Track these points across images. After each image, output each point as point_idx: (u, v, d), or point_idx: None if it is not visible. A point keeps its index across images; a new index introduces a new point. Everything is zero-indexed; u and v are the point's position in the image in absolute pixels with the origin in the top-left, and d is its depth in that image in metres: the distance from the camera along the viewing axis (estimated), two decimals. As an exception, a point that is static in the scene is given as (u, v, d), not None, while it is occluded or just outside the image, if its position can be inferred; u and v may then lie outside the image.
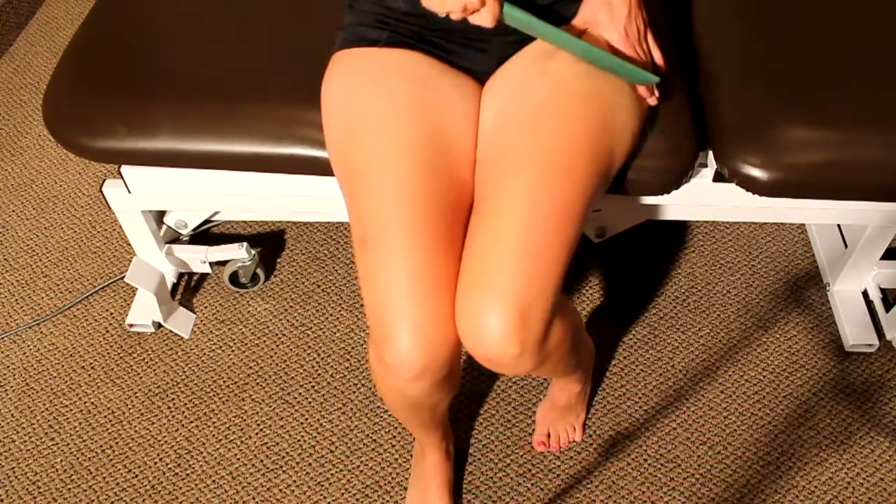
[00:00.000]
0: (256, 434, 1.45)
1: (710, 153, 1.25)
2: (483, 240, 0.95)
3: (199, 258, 1.58)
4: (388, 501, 1.37)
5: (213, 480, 1.40)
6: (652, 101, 1.11)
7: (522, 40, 1.09)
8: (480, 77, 1.10)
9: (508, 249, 0.92)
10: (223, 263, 1.61)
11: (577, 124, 1.00)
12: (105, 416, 1.47)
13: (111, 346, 1.56)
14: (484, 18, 0.96)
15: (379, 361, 0.97)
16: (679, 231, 1.71)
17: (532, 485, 1.39)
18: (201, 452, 1.43)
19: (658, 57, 1.11)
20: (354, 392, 1.49)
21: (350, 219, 1.02)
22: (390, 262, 0.94)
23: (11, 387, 1.51)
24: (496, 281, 0.91)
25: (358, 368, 1.52)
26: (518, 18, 0.99)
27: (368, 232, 0.97)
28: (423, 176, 0.98)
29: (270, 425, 1.46)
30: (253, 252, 1.57)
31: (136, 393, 1.50)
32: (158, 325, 1.58)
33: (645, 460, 1.41)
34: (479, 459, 1.41)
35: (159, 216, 1.56)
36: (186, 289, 1.64)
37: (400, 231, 0.95)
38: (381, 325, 0.95)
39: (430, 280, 0.94)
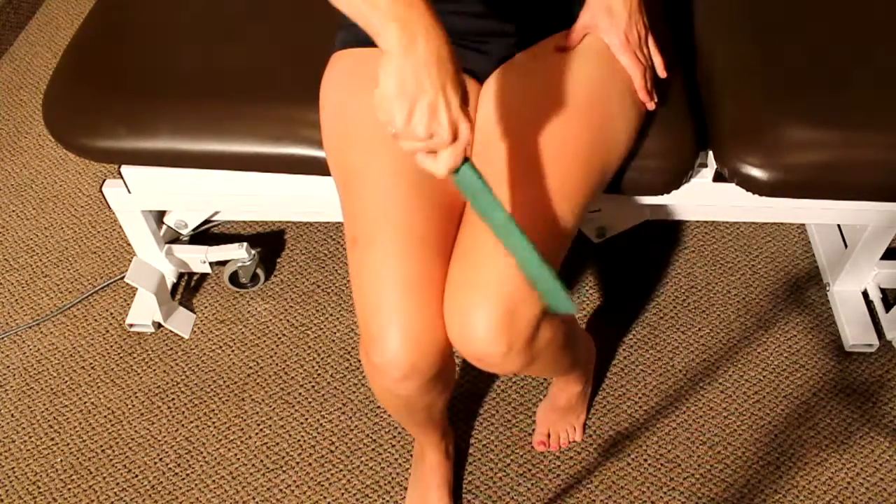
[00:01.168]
0: (256, 434, 1.45)
1: (710, 153, 1.25)
2: (472, 239, 0.95)
3: (199, 258, 1.58)
4: (388, 501, 1.37)
5: (213, 480, 1.40)
6: (650, 106, 1.11)
7: (521, 43, 1.09)
8: (479, 78, 1.10)
9: (497, 248, 0.92)
10: (223, 263, 1.61)
11: (572, 127, 1.00)
12: (105, 416, 1.47)
13: (111, 346, 1.56)
14: (439, 165, 0.78)
15: (368, 361, 0.97)
16: (679, 231, 1.71)
17: (532, 485, 1.39)
18: (201, 452, 1.43)
19: (658, 61, 1.11)
20: (354, 392, 1.49)
21: (343, 218, 1.02)
22: (380, 262, 0.94)
23: (11, 387, 1.51)
24: (484, 280, 0.91)
25: (358, 368, 1.52)
26: (471, 183, 0.81)
27: (360, 232, 0.97)
28: (416, 176, 0.98)
29: (270, 425, 1.46)
30: (253, 252, 1.57)
31: (136, 393, 1.50)
32: (158, 325, 1.58)
33: (645, 460, 1.41)
34: (479, 459, 1.41)
35: (159, 216, 1.56)
36: (186, 289, 1.64)
37: (390, 231, 0.95)
38: (370, 325, 0.95)
39: (420, 280, 0.94)
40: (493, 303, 0.91)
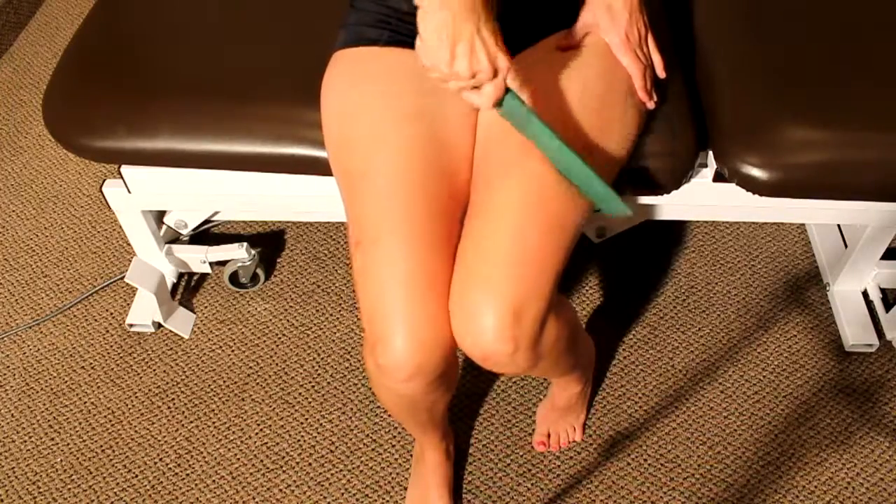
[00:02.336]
0: (256, 434, 1.45)
1: (710, 153, 1.25)
2: (478, 239, 0.95)
3: (199, 258, 1.58)
4: (388, 501, 1.37)
5: (213, 480, 1.40)
6: (650, 105, 1.11)
7: (522, 42, 1.09)
8: (481, 77, 1.10)
9: (503, 248, 0.92)
10: (223, 263, 1.61)
11: (573, 126, 1.00)
12: (105, 416, 1.47)
13: (111, 346, 1.56)
14: (484, 99, 0.88)
15: (372, 362, 0.97)
16: (679, 231, 1.71)
17: (532, 485, 1.39)
18: (201, 452, 1.43)
19: (658, 60, 1.11)
20: (354, 392, 1.49)
21: (347, 219, 1.02)
22: (384, 263, 0.94)
23: (11, 387, 1.51)
24: (491, 279, 0.91)
25: (358, 368, 1.52)
26: (517, 111, 0.90)
27: (363, 232, 0.97)
28: (419, 177, 0.98)
29: (270, 425, 1.46)
30: (253, 252, 1.57)
31: (136, 393, 1.50)
32: (158, 325, 1.58)
33: (645, 460, 1.41)
34: (479, 459, 1.41)
35: (159, 216, 1.56)
36: (186, 289, 1.64)
37: (394, 232, 0.95)
38: (375, 326, 0.95)
39: (424, 281, 0.94)
40: (500, 302, 0.91)
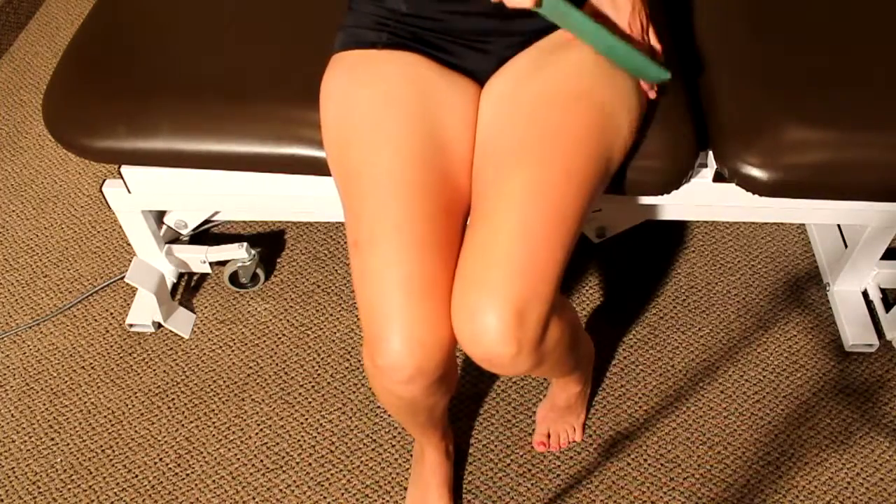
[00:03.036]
0: (256, 434, 1.45)
1: (710, 153, 1.25)
2: (480, 239, 0.95)
3: (199, 258, 1.58)
4: (388, 501, 1.37)
5: (213, 480, 1.40)
6: (651, 95, 1.12)
7: (523, 42, 1.09)
8: (480, 78, 1.10)
9: (505, 249, 0.92)
10: (223, 263, 1.61)
11: (576, 125, 1.00)
12: (105, 416, 1.47)
13: (111, 346, 1.56)
14: None
15: (372, 364, 0.97)
16: (679, 231, 1.71)
17: (532, 485, 1.39)
18: (201, 452, 1.43)
19: (658, 51, 1.11)
20: (354, 392, 1.49)
21: (345, 220, 1.02)
22: (383, 264, 0.94)
23: (11, 387, 1.51)
24: (493, 280, 0.91)
25: (358, 368, 1.52)
26: (556, 5, 0.97)
27: (362, 233, 0.97)
28: (418, 177, 0.98)
29: (270, 425, 1.46)
30: (253, 252, 1.57)
31: (136, 393, 1.50)
32: (158, 325, 1.58)
33: (645, 460, 1.41)
34: (479, 459, 1.41)
35: (159, 216, 1.56)
36: (186, 289, 1.64)
37: (393, 233, 0.95)
38: (374, 327, 0.95)
39: (423, 282, 0.94)
40: (504, 303, 0.91)
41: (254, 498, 1.38)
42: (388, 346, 0.94)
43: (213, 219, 1.64)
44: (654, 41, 1.10)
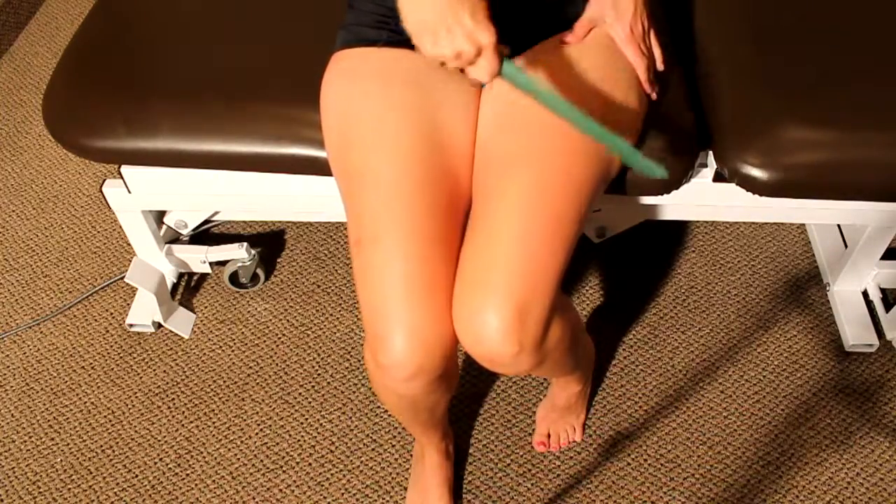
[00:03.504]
0: (256, 434, 1.45)
1: (710, 153, 1.25)
2: (481, 239, 0.95)
3: (199, 258, 1.58)
4: (388, 501, 1.37)
5: (213, 480, 1.40)
6: (653, 95, 1.12)
7: (523, 44, 1.09)
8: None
9: (507, 248, 0.92)
10: (223, 263, 1.61)
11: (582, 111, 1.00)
12: (105, 416, 1.47)
13: (111, 346, 1.56)
14: (481, 73, 0.89)
15: (374, 362, 0.97)
16: (679, 231, 1.71)
17: (532, 485, 1.39)
18: (201, 452, 1.43)
19: (658, 55, 1.11)
20: (354, 392, 1.49)
21: (347, 219, 1.02)
22: (385, 263, 0.94)
23: (11, 387, 1.51)
24: (495, 280, 0.91)
25: (358, 368, 1.52)
26: (518, 80, 0.91)
27: (364, 232, 0.97)
28: (419, 176, 0.98)
29: (270, 425, 1.46)
30: (253, 252, 1.57)
31: (136, 393, 1.50)
32: (158, 325, 1.58)
33: (645, 460, 1.41)
34: (479, 459, 1.41)
35: (159, 216, 1.56)
36: (186, 289, 1.64)
37: (394, 231, 0.95)
38: (376, 326, 0.95)
39: (425, 280, 0.94)
40: (505, 303, 0.91)
41: (254, 498, 1.38)
42: (390, 344, 0.94)
43: (213, 219, 1.64)
44: (654, 44, 1.10)
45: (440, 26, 0.85)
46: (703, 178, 1.27)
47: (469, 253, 0.96)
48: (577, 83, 1.03)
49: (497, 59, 0.88)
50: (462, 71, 0.90)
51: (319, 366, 1.53)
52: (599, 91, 1.04)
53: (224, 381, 1.51)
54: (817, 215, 1.36)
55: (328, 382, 1.51)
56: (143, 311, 1.57)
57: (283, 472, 1.41)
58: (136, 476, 1.41)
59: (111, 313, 1.61)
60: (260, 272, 1.61)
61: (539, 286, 0.92)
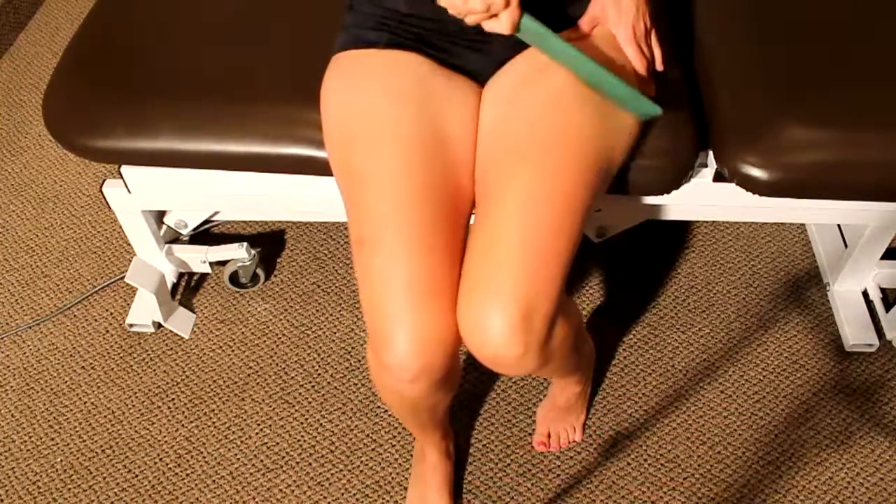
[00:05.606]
0: (256, 434, 1.45)
1: (710, 153, 1.25)
2: (485, 240, 0.95)
3: (199, 258, 1.58)
4: (388, 501, 1.37)
5: (213, 480, 1.40)
6: (651, 93, 1.12)
7: (523, 43, 1.09)
8: (480, 79, 1.10)
9: (510, 250, 0.92)
10: (223, 263, 1.61)
11: (577, 125, 1.00)
12: (105, 416, 1.47)
13: (111, 346, 1.56)
14: (502, 25, 0.93)
15: (377, 363, 0.97)
16: (679, 231, 1.71)
17: (532, 485, 1.39)
18: (201, 452, 1.43)
19: (659, 56, 1.11)
20: (354, 392, 1.49)
21: (348, 220, 1.02)
22: (387, 264, 0.94)
23: (11, 387, 1.51)
24: (499, 281, 0.91)
25: (358, 368, 1.52)
26: (535, 31, 0.95)
27: (366, 233, 0.97)
28: (421, 177, 0.98)
29: (270, 425, 1.46)
30: (253, 252, 1.57)
31: (136, 393, 1.50)
32: (158, 325, 1.58)
33: (645, 460, 1.41)
34: (479, 459, 1.41)
35: (159, 216, 1.56)
36: (186, 289, 1.64)
37: (397, 232, 0.95)
38: (379, 327, 0.95)
39: (428, 281, 0.94)
40: (510, 304, 0.91)
41: (254, 498, 1.38)
42: (393, 344, 0.94)
43: (213, 219, 1.64)
44: (654, 45, 1.10)
45: None
46: (703, 178, 1.27)
47: (472, 255, 0.96)
48: (573, 85, 1.02)
49: (519, 11, 0.93)
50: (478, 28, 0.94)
51: (319, 366, 1.53)
52: (593, 98, 1.03)
53: (224, 381, 1.51)
54: (817, 215, 1.36)
55: (328, 382, 1.51)
56: (143, 311, 1.57)
57: (283, 472, 1.41)
58: (136, 476, 1.41)
59: (111, 313, 1.61)
60: (260, 272, 1.61)
61: (544, 287, 0.92)
